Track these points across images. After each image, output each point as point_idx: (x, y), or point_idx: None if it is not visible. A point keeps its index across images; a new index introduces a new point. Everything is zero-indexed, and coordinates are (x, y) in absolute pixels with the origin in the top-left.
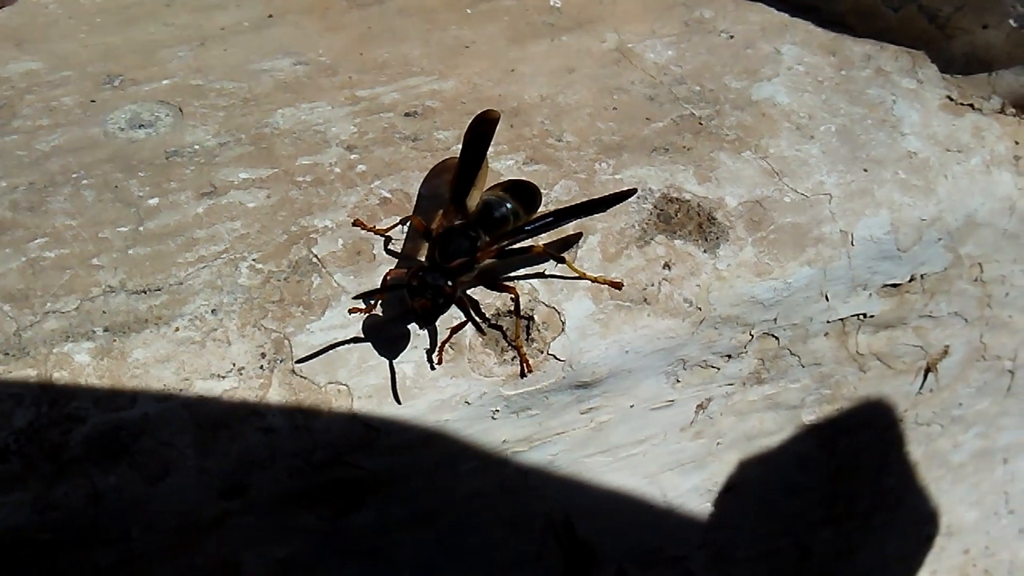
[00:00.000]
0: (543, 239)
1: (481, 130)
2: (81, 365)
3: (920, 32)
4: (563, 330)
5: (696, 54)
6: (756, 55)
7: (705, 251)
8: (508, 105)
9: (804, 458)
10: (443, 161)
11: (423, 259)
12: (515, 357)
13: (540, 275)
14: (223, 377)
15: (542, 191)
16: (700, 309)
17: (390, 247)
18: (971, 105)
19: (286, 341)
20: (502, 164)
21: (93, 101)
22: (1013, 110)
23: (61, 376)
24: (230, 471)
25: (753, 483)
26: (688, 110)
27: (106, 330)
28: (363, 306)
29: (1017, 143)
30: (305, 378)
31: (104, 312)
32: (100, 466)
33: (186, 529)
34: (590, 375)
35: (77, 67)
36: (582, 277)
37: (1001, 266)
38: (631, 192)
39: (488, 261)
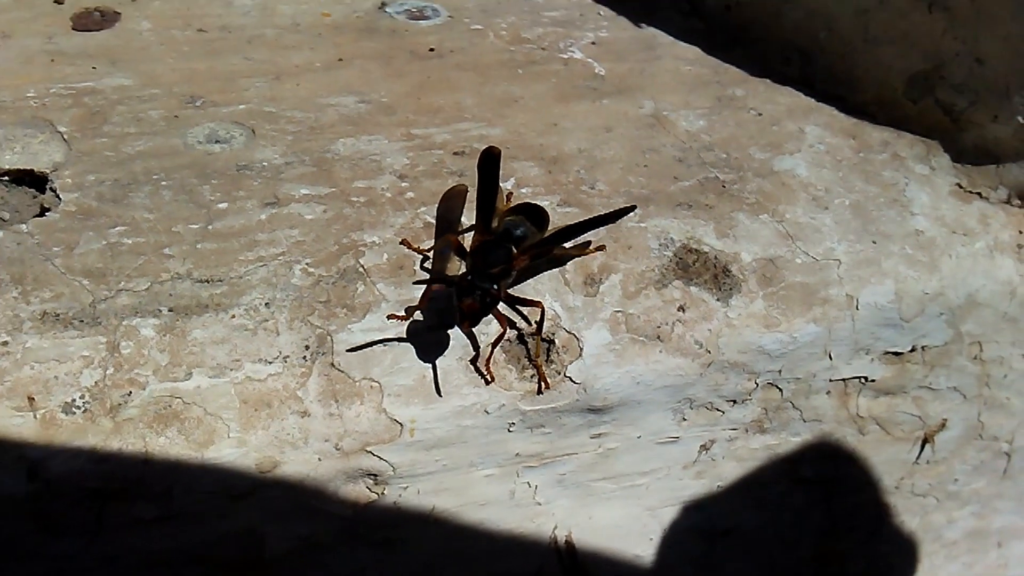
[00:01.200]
0: None
1: (488, 164)
2: (146, 338)
3: (936, 123)
4: (580, 355)
5: (725, 125)
6: (781, 131)
7: (718, 299)
8: (548, 154)
9: (800, 512)
10: (450, 189)
11: (461, 271)
12: (534, 375)
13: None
14: (270, 362)
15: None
16: (709, 352)
17: (426, 265)
18: (979, 194)
19: (329, 337)
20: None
21: (176, 116)
22: (1019, 201)
23: (127, 345)
24: (266, 447)
25: (749, 531)
26: (713, 173)
27: (171, 310)
28: (402, 314)
29: (1021, 232)
30: (342, 372)
31: (171, 295)
32: (153, 428)
33: (221, 495)
34: (602, 400)
35: (164, 87)
36: (574, 254)
37: (1000, 347)
38: (631, 208)
39: (521, 267)
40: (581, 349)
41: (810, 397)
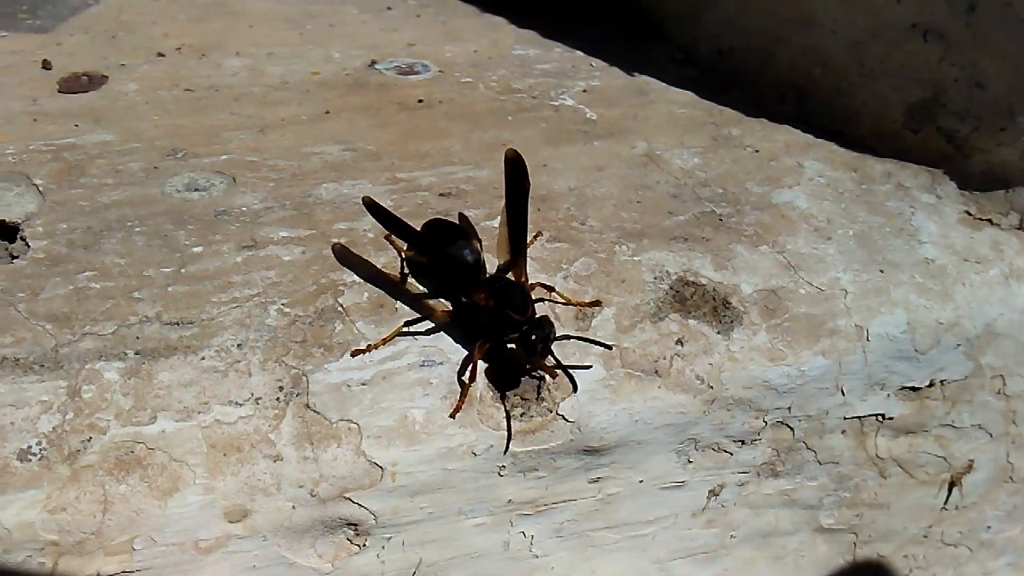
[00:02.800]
0: None
1: (515, 171)
2: (110, 381)
3: (939, 152)
4: (573, 392)
5: (721, 163)
6: (779, 167)
7: (719, 332)
8: (537, 193)
9: (822, 564)
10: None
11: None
12: (524, 413)
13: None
14: (240, 404)
15: (563, 267)
16: (712, 388)
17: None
18: (989, 220)
19: (304, 377)
20: None
21: (156, 168)
22: None
23: (89, 389)
24: (235, 494)
25: None
26: (710, 208)
27: (137, 353)
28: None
29: None
30: (318, 413)
31: (138, 338)
32: (113, 475)
33: (188, 548)
34: (598, 440)
35: (146, 141)
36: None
37: None
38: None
39: None
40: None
41: (824, 437)
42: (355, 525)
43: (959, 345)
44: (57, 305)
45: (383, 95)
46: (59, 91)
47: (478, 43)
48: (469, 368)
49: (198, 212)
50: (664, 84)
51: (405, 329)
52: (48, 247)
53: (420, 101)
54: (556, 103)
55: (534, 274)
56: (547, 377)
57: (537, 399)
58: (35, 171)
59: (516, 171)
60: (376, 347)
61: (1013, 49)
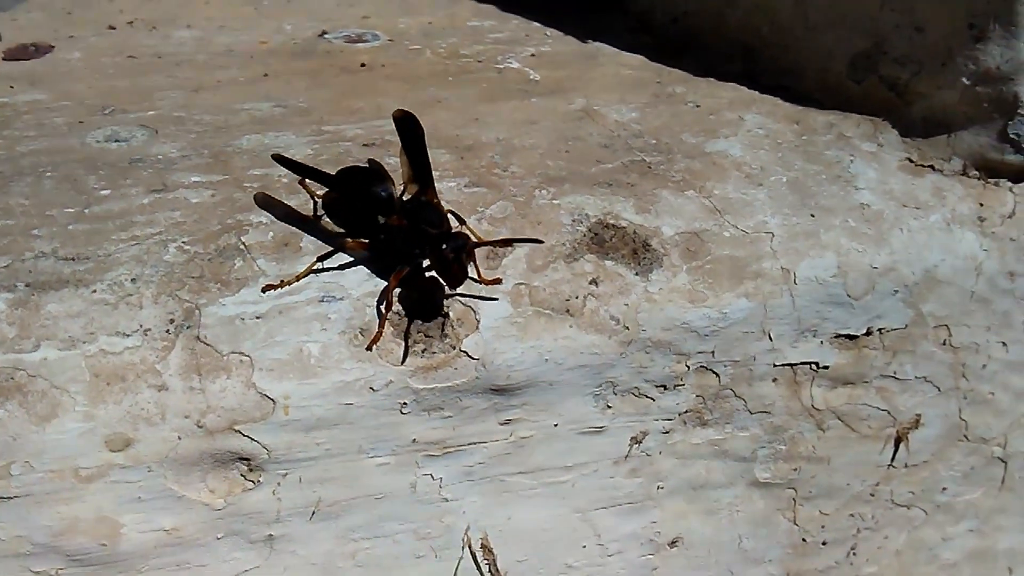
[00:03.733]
0: None
1: (407, 126)
2: None
3: (882, 101)
4: (478, 328)
5: (659, 117)
6: (718, 120)
7: (637, 274)
8: (463, 143)
9: (761, 521)
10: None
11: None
12: (426, 349)
13: None
14: (128, 335)
15: (479, 210)
16: (628, 328)
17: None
18: (931, 167)
19: (197, 311)
20: (443, 186)
21: (81, 122)
22: (976, 172)
23: None
24: (117, 423)
25: (701, 541)
26: (640, 157)
27: (27, 285)
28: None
29: (982, 205)
30: (209, 345)
31: (30, 272)
32: None
33: (67, 475)
34: (505, 379)
35: (77, 99)
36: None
37: (973, 333)
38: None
39: None
40: (478, 322)
41: (753, 384)
42: (248, 460)
43: (896, 291)
44: None
45: (327, 61)
46: (3, 59)
47: (434, 16)
48: (385, 297)
49: (113, 160)
50: (616, 49)
51: (319, 265)
52: None
53: (363, 65)
54: (501, 66)
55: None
56: (451, 314)
57: (441, 335)
58: None
59: (407, 126)
60: (289, 283)
61: None
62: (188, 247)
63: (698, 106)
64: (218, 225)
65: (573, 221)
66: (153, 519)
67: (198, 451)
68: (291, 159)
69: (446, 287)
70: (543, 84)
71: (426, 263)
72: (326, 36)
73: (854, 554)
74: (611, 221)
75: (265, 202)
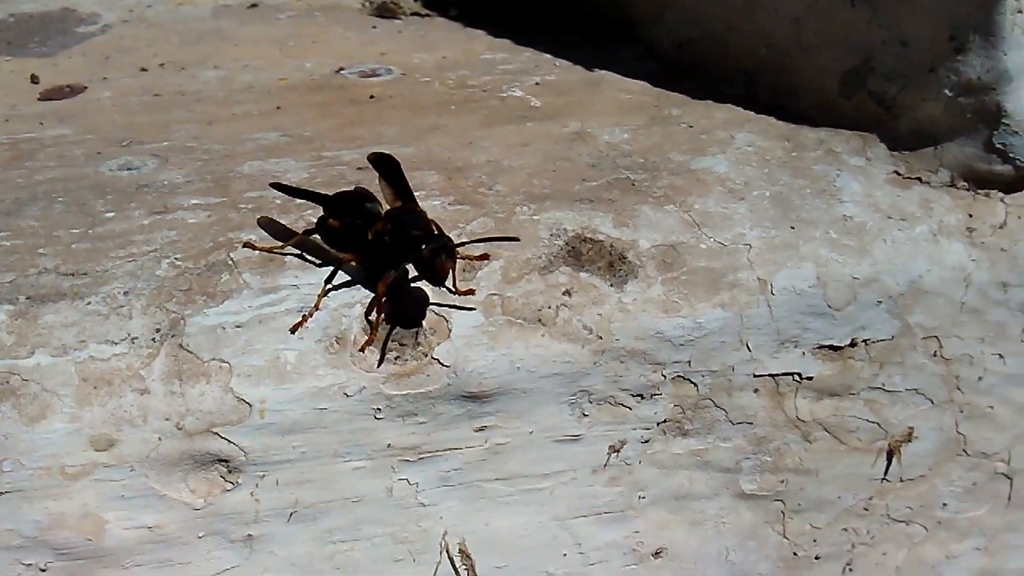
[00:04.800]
0: None
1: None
2: None
3: (871, 115)
4: (449, 336)
5: (650, 137)
6: (709, 139)
7: (612, 285)
8: (454, 165)
9: (748, 531)
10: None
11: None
12: (399, 356)
13: None
14: (116, 343)
15: (460, 226)
16: (601, 338)
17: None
18: (919, 179)
19: (182, 320)
20: (428, 204)
21: (99, 153)
22: (964, 183)
23: None
24: (101, 424)
25: (686, 552)
26: (625, 175)
27: (28, 298)
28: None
29: (971, 216)
30: (191, 352)
31: (32, 286)
32: None
33: (55, 472)
34: (476, 385)
35: (99, 133)
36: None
37: (965, 344)
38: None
39: None
40: (450, 331)
41: (733, 395)
42: (226, 461)
43: (880, 302)
44: None
45: (338, 94)
46: (39, 99)
47: (450, 51)
48: (375, 305)
49: (122, 186)
50: (620, 76)
51: (328, 287)
52: None
53: (372, 97)
54: (504, 94)
55: None
56: (424, 323)
57: (414, 343)
58: None
59: (382, 161)
60: (311, 315)
61: (930, 2)
62: (180, 263)
63: (691, 126)
64: (211, 243)
65: (551, 235)
66: (136, 516)
67: (178, 452)
68: (287, 185)
69: (429, 297)
70: (542, 110)
71: (413, 273)
72: (342, 72)
73: (850, 569)
74: (588, 235)
75: (267, 225)
